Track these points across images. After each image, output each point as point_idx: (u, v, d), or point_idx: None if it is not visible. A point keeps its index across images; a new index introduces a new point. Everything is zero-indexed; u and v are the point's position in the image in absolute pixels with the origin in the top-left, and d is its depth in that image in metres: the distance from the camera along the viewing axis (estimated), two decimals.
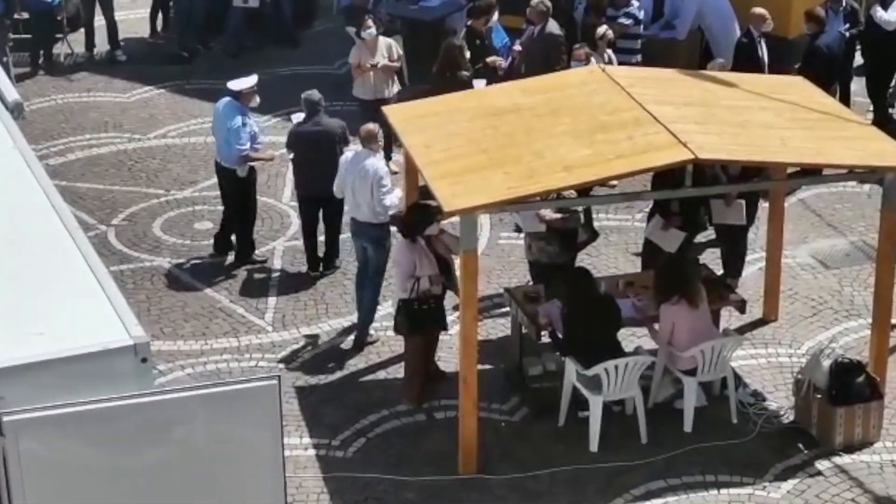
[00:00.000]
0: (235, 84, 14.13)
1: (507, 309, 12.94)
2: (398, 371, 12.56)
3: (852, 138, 11.82)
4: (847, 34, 16.83)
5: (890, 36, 16.82)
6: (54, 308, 8.45)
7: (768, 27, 16.22)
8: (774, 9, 16.61)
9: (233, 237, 14.58)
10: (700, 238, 14.10)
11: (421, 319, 11.96)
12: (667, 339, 11.80)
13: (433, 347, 12.39)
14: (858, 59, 17.46)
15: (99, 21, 19.84)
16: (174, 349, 13.05)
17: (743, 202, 13.44)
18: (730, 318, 13.03)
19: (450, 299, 12.41)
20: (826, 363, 11.68)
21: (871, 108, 17.19)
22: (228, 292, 14.01)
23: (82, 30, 19.96)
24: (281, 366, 12.79)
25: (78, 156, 16.94)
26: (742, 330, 13.03)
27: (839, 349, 12.44)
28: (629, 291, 12.50)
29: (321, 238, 14.36)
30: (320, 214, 14.19)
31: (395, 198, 12.97)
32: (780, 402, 12.22)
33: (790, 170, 13.22)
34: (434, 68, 16.05)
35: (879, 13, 16.78)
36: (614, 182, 14.42)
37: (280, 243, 14.90)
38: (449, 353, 12.55)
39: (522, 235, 13.43)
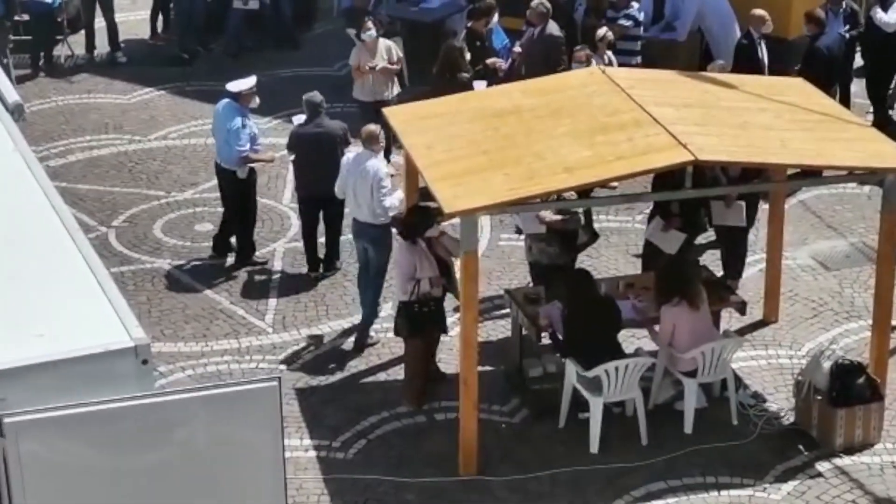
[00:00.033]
0: (234, 85, 14.14)
1: (508, 310, 12.94)
2: (398, 373, 12.56)
3: (852, 140, 11.81)
4: (847, 36, 16.83)
5: (890, 37, 16.82)
6: (55, 309, 8.45)
7: (768, 29, 16.22)
8: (774, 10, 16.61)
9: (232, 239, 14.58)
10: (700, 239, 14.10)
11: (421, 322, 11.96)
12: (667, 340, 11.80)
13: (433, 349, 12.38)
14: (858, 61, 17.46)
15: (99, 23, 19.85)
16: (175, 351, 13.04)
17: (743, 204, 13.43)
18: (730, 319, 13.03)
19: (450, 301, 12.40)
20: (826, 365, 11.68)
21: (871, 109, 17.18)
22: (229, 294, 14.00)
23: (83, 31, 19.98)
24: (281, 367, 12.79)
25: (78, 157, 16.94)
26: (742, 331, 13.03)
27: (839, 351, 12.43)
28: (629, 293, 12.49)
29: (321, 240, 14.36)
30: (320, 216, 14.19)
31: (395, 200, 12.97)
32: (781, 403, 12.22)
33: (790, 171, 13.23)
34: (434, 70, 16.05)
35: (879, 15, 16.78)
36: (615, 183, 14.42)
37: (280, 245, 14.90)
38: (449, 355, 12.55)
39: (523, 237, 13.43)
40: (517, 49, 16.73)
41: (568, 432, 11.81)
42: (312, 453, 11.63)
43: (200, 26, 20.06)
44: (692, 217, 13.34)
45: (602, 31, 16.13)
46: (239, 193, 14.32)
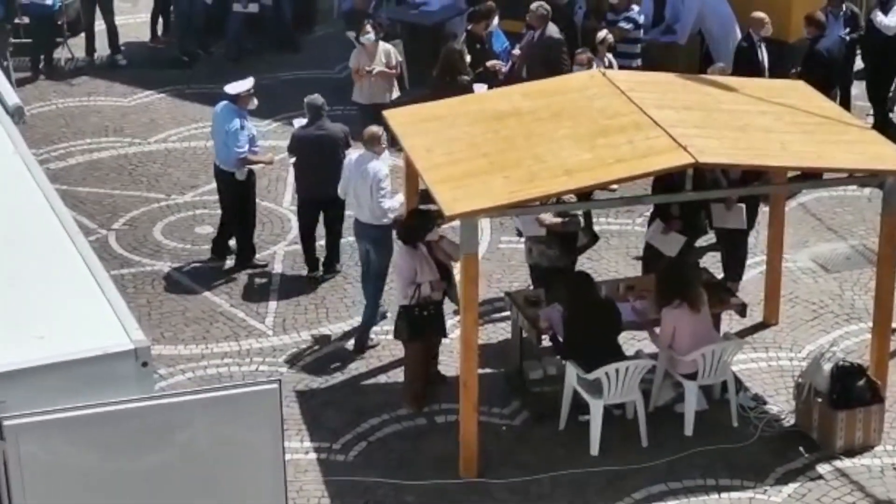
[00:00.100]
0: (232, 87, 14.14)
1: (508, 313, 12.93)
2: (399, 375, 12.55)
3: (852, 142, 11.81)
4: (847, 38, 16.84)
5: (890, 40, 16.81)
6: (55, 312, 8.44)
7: (767, 31, 16.23)
8: (775, 13, 16.61)
9: (231, 241, 14.57)
10: (700, 242, 14.09)
11: (421, 325, 11.95)
12: (668, 342, 11.79)
13: (434, 352, 12.36)
14: (859, 64, 17.46)
15: (99, 25, 19.85)
16: (175, 353, 13.04)
17: (743, 206, 13.44)
18: (730, 321, 13.03)
19: (449, 304, 12.39)
20: (827, 367, 11.68)
21: (872, 111, 17.18)
22: (229, 296, 14.00)
23: (83, 34, 19.98)
24: (282, 370, 12.78)
25: (78, 160, 16.94)
26: (743, 334, 13.02)
27: (840, 353, 12.42)
28: (630, 295, 12.49)
29: (320, 243, 14.35)
30: (319, 218, 14.19)
31: (395, 202, 12.98)
32: (781, 405, 12.21)
33: (790, 174, 13.24)
34: (434, 72, 16.07)
35: (879, 17, 16.78)
36: (614, 186, 14.40)
37: (281, 248, 14.90)
38: (449, 357, 12.54)
39: (523, 239, 13.43)
40: (517, 52, 16.74)
41: (568, 434, 11.81)
42: (313, 455, 11.63)
43: (200, 29, 20.07)
44: (692, 219, 13.34)
45: (602, 33, 16.14)
46: (238, 196, 14.31)
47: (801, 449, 11.66)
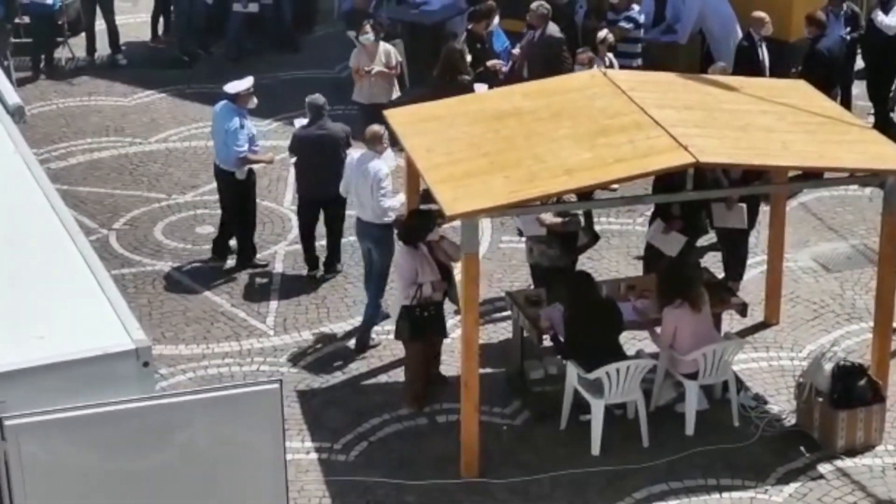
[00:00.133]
0: (231, 86, 14.13)
1: (509, 313, 12.93)
2: (400, 375, 12.55)
3: (853, 142, 11.81)
4: (848, 38, 16.84)
5: (891, 40, 16.80)
6: (55, 311, 8.44)
7: (768, 31, 16.22)
8: (775, 12, 16.61)
9: (231, 241, 14.57)
10: (701, 242, 14.09)
11: (422, 326, 11.94)
12: (668, 342, 11.79)
13: (437, 352, 12.34)
14: (859, 63, 17.46)
15: (100, 25, 19.85)
16: (176, 353, 13.04)
17: (744, 206, 13.43)
18: (731, 321, 13.02)
19: (449, 304, 12.38)
20: (828, 367, 11.67)
21: (872, 111, 17.18)
22: (230, 296, 14.00)
23: (83, 34, 19.98)
24: (283, 370, 12.78)
25: (79, 160, 16.94)
26: (743, 333, 13.02)
27: (841, 352, 12.42)
28: (630, 295, 12.49)
29: (321, 242, 14.35)
30: (319, 217, 14.19)
31: (395, 201, 12.98)
32: (782, 405, 12.21)
33: (791, 173, 13.23)
34: (435, 72, 16.07)
35: (880, 17, 16.78)
36: (615, 186, 14.40)
37: (281, 247, 14.90)
38: (450, 357, 12.54)
39: (524, 239, 13.43)
40: (516, 51, 16.74)
41: (569, 434, 11.81)
42: (314, 455, 11.62)
43: (201, 29, 20.06)
44: (693, 219, 13.34)
45: (603, 33, 16.14)
46: (238, 195, 14.31)
47: (802, 449, 11.65)
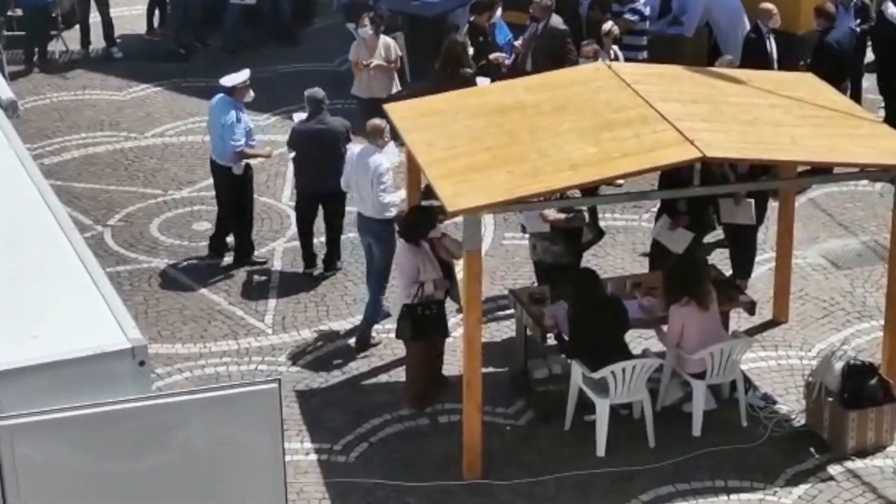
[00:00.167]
0: (228, 80, 14.12)
1: (512, 311, 12.93)
2: (401, 374, 12.54)
3: (863, 136, 11.80)
4: (858, 30, 16.82)
5: None
6: (50, 310, 8.44)
7: (776, 23, 16.22)
8: (783, 4, 16.60)
9: (229, 238, 14.56)
10: (708, 238, 14.08)
11: (424, 325, 11.92)
12: (675, 341, 11.78)
13: (439, 353, 12.33)
14: (869, 56, 17.44)
15: (94, 18, 19.85)
16: (172, 352, 13.03)
17: (752, 201, 13.42)
18: (739, 319, 13.02)
19: (450, 303, 12.37)
20: (838, 366, 11.66)
21: (883, 104, 17.16)
22: (227, 294, 13.99)
23: (77, 27, 19.97)
24: (281, 369, 12.78)
25: (73, 155, 16.93)
26: (752, 332, 13.01)
27: (851, 351, 12.42)
28: (636, 292, 12.48)
29: (320, 240, 14.34)
30: (318, 213, 14.19)
31: (395, 196, 12.97)
32: (791, 405, 12.20)
33: (800, 168, 13.20)
34: (436, 65, 16.05)
35: (891, 9, 16.75)
36: (620, 181, 14.40)
37: (280, 244, 14.89)
38: (452, 356, 12.53)
39: (527, 235, 13.42)
40: (518, 43, 16.73)
41: (574, 435, 11.80)
42: (313, 456, 11.62)
43: (197, 21, 20.06)
44: (700, 215, 13.33)
45: (607, 25, 16.12)
46: (235, 191, 14.29)
47: (811, 449, 11.65)
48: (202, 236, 14.89)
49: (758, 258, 14.03)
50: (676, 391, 12.13)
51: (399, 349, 12.68)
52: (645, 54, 16.94)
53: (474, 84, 15.33)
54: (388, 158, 13.10)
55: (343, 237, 14.35)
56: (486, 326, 12.79)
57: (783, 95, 12.24)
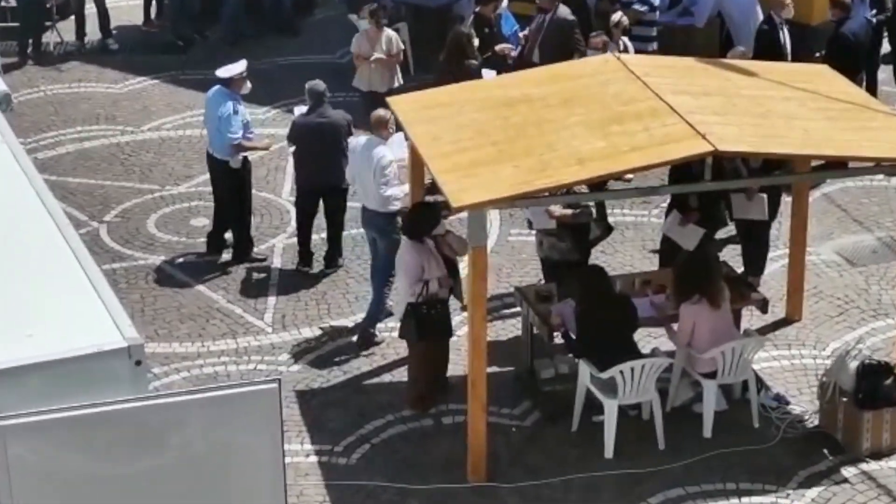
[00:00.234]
0: (224, 71, 14.14)
1: (518, 309, 12.94)
2: (403, 374, 12.56)
3: (879, 129, 11.80)
4: (874, 20, 16.82)
5: None
6: (44, 308, 8.46)
7: (790, 13, 16.23)
8: None
9: (227, 234, 14.57)
10: (720, 234, 14.09)
11: (429, 324, 11.93)
12: (686, 340, 11.79)
13: (444, 353, 12.32)
14: (886, 47, 17.45)
15: (90, 8, 19.87)
16: (169, 351, 13.06)
17: (765, 196, 13.43)
18: (751, 318, 13.03)
19: (453, 301, 12.38)
20: (852, 365, 11.67)
21: None
22: (226, 292, 14.02)
23: (72, 18, 19.99)
24: (281, 369, 12.80)
25: (68, 149, 16.96)
26: (764, 330, 13.02)
27: (866, 350, 12.41)
28: (646, 290, 12.50)
29: (321, 236, 14.37)
30: (318, 209, 14.21)
31: (397, 190, 12.98)
32: (805, 405, 12.21)
33: (814, 163, 13.22)
34: (441, 57, 16.07)
35: None
36: (629, 176, 14.42)
37: (280, 240, 14.91)
38: (457, 356, 12.54)
39: (534, 232, 13.44)
40: (524, 34, 16.75)
41: (581, 436, 11.81)
42: (313, 458, 11.64)
43: (195, 11, 20.09)
44: (711, 211, 13.34)
45: (617, 16, 16.13)
46: (233, 185, 14.29)
47: (825, 451, 11.66)
48: (200, 232, 14.91)
49: (771, 255, 14.04)
50: (687, 391, 12.14)
51: (402, 349, 12.70)
52: (655, 46, 16.96)
53: (480, 76, 15.35)
54: (392, 151, 13.12)
55: (344, 233, 14.36)
56: (492, 325, 12.81)
57: (797, 88, 12.24)
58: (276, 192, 15.84)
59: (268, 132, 16.46)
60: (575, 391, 11.85)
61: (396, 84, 16.16)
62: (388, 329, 13.09)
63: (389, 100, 12.83)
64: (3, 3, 19.50)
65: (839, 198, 15.65)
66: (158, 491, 8.07)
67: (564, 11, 16.47)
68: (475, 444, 11.29)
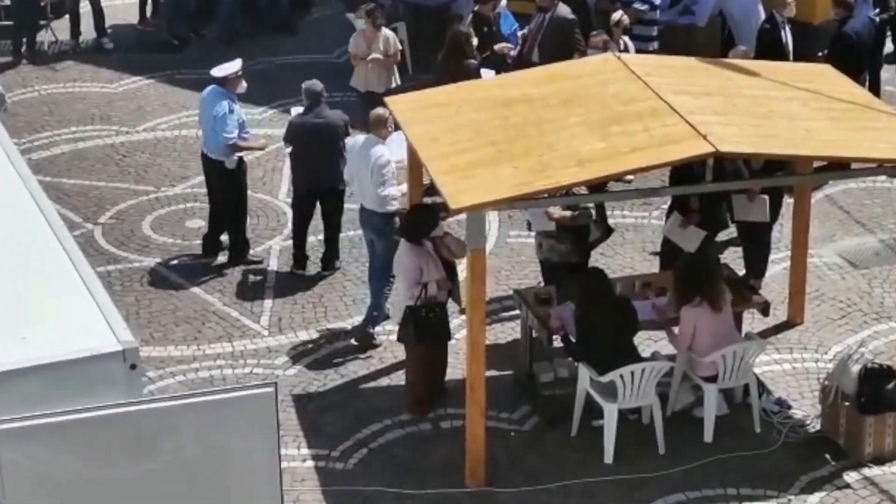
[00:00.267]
0: (219, 70, 14.15)
1: (517, 312, 12.94)
2: (401, 377, 12.56)
3: (882, 130, 11.81)
4: (877, 19, 16.82)
5: None
6: (38, 311, 8.47)
7: (792, 12, 16.24)
8: None
9: (223, 236, 14.57)
10: (721, 236, 14.10)
11: (428, 328, 11.93)
12: (687, 343, 11.80)
13: (443, 357, 12.33)
14: (889, 47, 17.45)
15: (84, 7, 19.88)
16: (165, 355, 13.06)
17: (766, 198, 13.43)
18: (753, 321, 13.03)
19: (450, 304, 12.39)
20: (855, 369, 11.67)
21: None
22: (222, 294, 14.02)
23: (67, 16, 20.00)
24: (278, 372, 12.80)
25: (63, 150, 16.96)
26: (766, 334, 13.03)
27: (868, 354, 12.42)
28: (648, 292, 12.50)
29: (318, 238, 14.37)
30: (315, 212, 14.22)
31: (395, 190, 12.99)
32: (806, 410, 12.22)
33: (816, 164, 13.22)
34: (439, 56, 16.08)
35: None
36: (629, 177, 14.42)
37: (276, 242, 14.91)
38: (455, 360, 12.55)
39: (533, 233, 13.45)
40: (523, 33, 16.76)
41: (581, 441, 11.82)
42: (310, 463, 11.64)
43: (191, 11, 20.10)
44: (712, 212, 13.35)
45: (617, 14, 16.14)
46: (228, 186, 14.29)
47: (827, 456, 11.66)
48: (196, 234, 14.92)
49: (772, 257, 14.04)
50: (687, 395, 12.14)
51: (400, 352, 12.70)
52: (656, 45, 16.97)
53: (479, 76, 15.36)
54: (392, 151, 13.12)
55: (342, 235, 14.37)
56: (490, 328, 12.81)
57: (799, 88, 12.25)
58: (272, 193, 15.85)
59: (264, 132, 16.46)
60: (574, 395, 11.85)
61: (394, 84, 16.18)
62: (386, 332, 13.09)
63: (387, 100, 12.84)
64: None
65: (842, 199, 15.66)
66: (153, 496, 8.07)
67: (564, 10, 16.48)
68: (474, 449, 11.29)
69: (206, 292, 14.04)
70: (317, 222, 14.32)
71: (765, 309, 12.72)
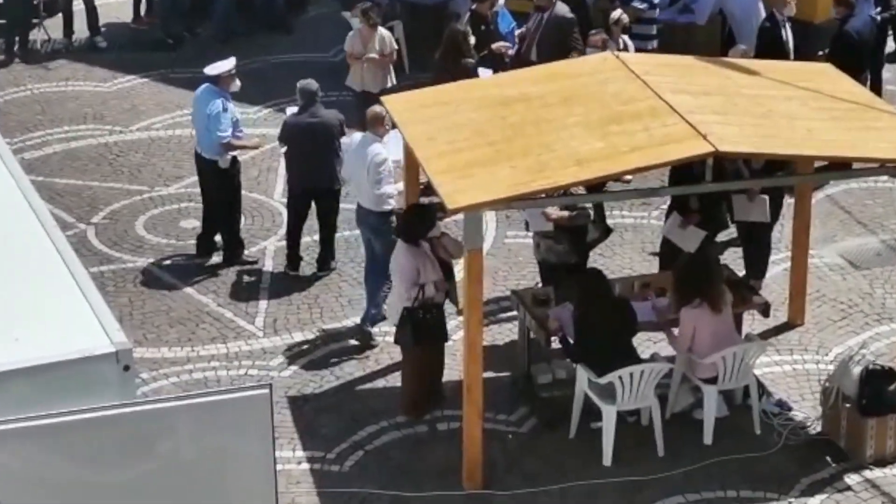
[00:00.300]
0: (212, 68, 14.15)
1: (515, 313, 12.95)
2: (397, 379, 12.56)
3: (884, 129, 11.82)
4: (878, 18, 16.84)
5: None
6: (30, 312, 8.46)
7: (791, 11, 16.26)
8: None
9: (217, 237, 14.57)
10: (721, 237, 14.10)
11: (425, 329, 11.92)
12: (686, 344, 11.80)
13: (439, 358, 12.33)
14: (890, 45, 17.47)
15: (78, 5, 19.87)
16: (158, 356, 13.06)
17: (767, 198, 13.44)
18: (753, 322, 13.04)
19: (448, 305, 12.39)
20: (856, 370, 11.68)
21: None
22: (216, 295, 14.02)
23: (60, 14, 19.99)
24: (272, 374, 12.80)
25: (56, 149, 16.96)
26: (766, 335, 13.03)
27: (870, 355, 12.44)
28: (648, 293, 12.51)
29: (314, 238, 14.37)
30: (310, 212, 14.22)
31: (391, 188, 13.00)
32: (807, 411, 12.23)
33: (817, 163, 13.23)
34: (436, 55, 16.08)
35: None
36: (628, 177, 14.43)
37: (271, 243, 14.91)
38: (452, 361, 12.55)
39: (531, 234, 13.45)
40: (521, 32, 16.77)
41: (579, 443, 11.82)
42: (305, 466, 11.64)
43: (186, 9, 20.09)
44: (712, 212, 13.36)
45: (616, 13, 16.16)
46: (222, 186, 14.29)
47: (828, 458, 11.67)
48: (190, 234, 14.91)
49: (772, 258, 14.05)
50: (687, 397, 12.15)
51: (396, 353, 12.69)
52: (655, 44, 16.98)
53: (476, 75, 15.36)
54: (389, 150, 13.13)
55: (337, 235, 14.37)
56: (488, 329, 12.81)
57: (800, 87, 12.26)
58: (267, 193, 15.85)
59: (259, 132, 16.47)
60: (573, 397, 11.85)
61: (389, 84, 16.19)
62: (382, 334, 13.10)
63: (384, 99, 12.84)
64: None
65: (843, 199, 15.67)
66: (147, 498, 8.07)
67: (563, 9, 16.49)
68: (471, 451, 11.29)
69: (201, 293, 14.04)
70: (312, 223, 14.32)
71: (765, 310, 12.73)
